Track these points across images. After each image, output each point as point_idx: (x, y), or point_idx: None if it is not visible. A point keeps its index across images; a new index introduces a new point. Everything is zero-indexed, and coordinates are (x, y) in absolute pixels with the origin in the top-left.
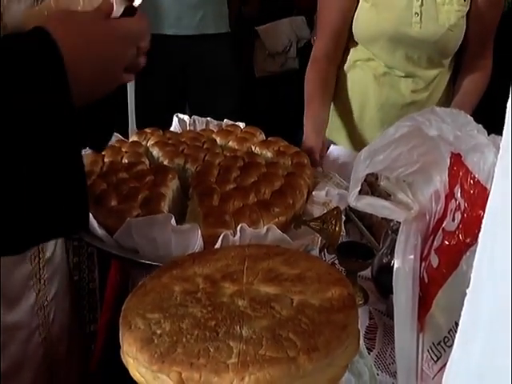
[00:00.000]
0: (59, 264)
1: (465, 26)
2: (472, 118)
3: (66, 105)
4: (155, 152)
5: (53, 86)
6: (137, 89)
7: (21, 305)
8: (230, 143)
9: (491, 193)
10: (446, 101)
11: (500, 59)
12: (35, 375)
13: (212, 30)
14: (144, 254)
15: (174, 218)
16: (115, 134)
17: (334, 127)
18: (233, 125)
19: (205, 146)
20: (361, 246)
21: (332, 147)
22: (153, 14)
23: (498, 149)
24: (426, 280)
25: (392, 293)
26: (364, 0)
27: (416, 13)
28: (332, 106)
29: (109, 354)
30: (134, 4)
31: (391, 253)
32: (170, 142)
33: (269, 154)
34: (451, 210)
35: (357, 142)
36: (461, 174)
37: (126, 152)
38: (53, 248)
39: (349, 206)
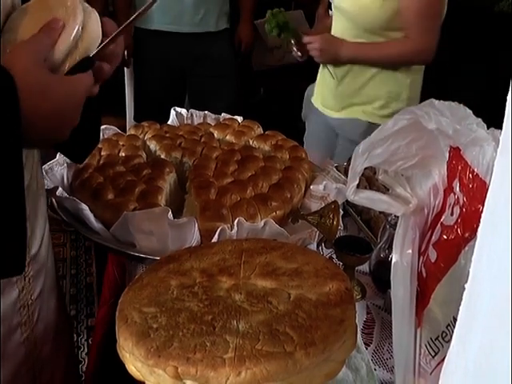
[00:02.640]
0: (44, 262)
1: (390, 5)
2: (471, 112)
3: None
4: (152, 145)
5: (5, 125)
6: (135, 83)
7: (0, 301)
8: (228, 137)
9: (491, 187)
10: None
11: (499, 53)
12: (14, 375)
13: (213, 28)
14: (141, 247)
15: (171, 212)
16: (112, 127)
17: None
18: (230, 119)
19: (202, 140)
20: (358, 241)
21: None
22: (154, 9)
23: (497, 142)
24: (424, 275)
25: (390, 287)
26: None
27: None
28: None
29: (106, 348)
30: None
31: (389, 247)
32: (167, 135)
33: (266, 148)
34: (450, 204)
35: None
36: (460, 167)
37: (123, 145)
38: (38, 245)
39: (347, 200)
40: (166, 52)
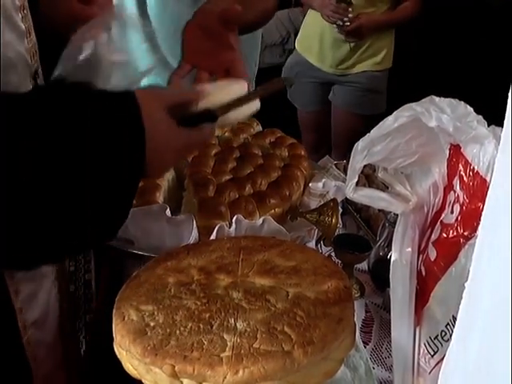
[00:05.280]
0: None
1: None
2: (472, 109)
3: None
4: None
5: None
6: None
7: None
8: (227, 134)
9: (491, 185)
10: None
11: (500, 51)
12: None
13: None
14: (138, 244)
15: (168, 209)
16: None
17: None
18: None
19: None
20: (357, 239)
21: None
22: None
23: (498, 140)
24: (424, 273)
25: (389, 286)
26: None
27: None
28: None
29: (103, 345)
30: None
31: (388, 245)
32: None
33: (265, 145)
34: (450, 202)
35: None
36: (460, 165)
37: None
38: None
39: (346, 197)
40: None
